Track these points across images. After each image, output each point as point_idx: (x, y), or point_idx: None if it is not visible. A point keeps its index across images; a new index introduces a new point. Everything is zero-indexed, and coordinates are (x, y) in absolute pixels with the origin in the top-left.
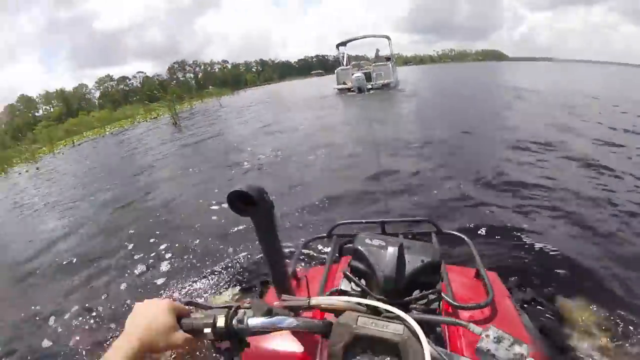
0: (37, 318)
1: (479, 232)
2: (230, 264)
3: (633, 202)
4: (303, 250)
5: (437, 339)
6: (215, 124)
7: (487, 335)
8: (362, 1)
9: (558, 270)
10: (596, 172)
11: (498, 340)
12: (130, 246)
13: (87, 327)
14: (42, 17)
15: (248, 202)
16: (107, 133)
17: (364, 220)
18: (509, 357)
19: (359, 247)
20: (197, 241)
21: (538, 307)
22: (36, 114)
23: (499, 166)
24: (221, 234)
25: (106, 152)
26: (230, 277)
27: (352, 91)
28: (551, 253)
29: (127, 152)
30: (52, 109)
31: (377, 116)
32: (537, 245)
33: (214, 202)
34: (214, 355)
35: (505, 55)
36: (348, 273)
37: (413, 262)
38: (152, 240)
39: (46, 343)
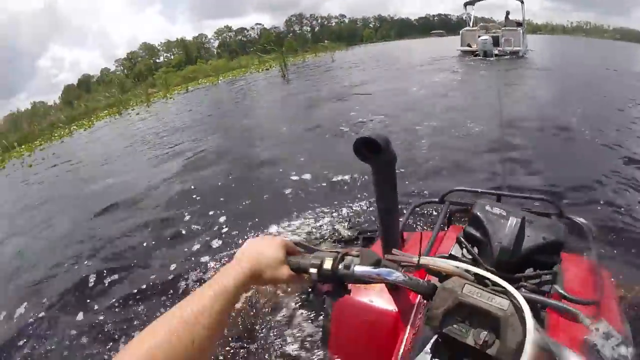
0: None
1: (601, 227)
2: (328, 217)
3: None
4: (411, 213)
5: (540, 325)
6: (323, 80)
7: (597, 329)
8: None
9: None
10: None
11: (606, 336)
12: (225, 189)
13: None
14: None
15: (373, 150)
16: (220, 82)
17: (479, 190)
18: (613, 356)
19: (478, 213)
20: (289, 193)
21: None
22: (157, 60)
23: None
24: (312, 190)
25: (213, 99)
26: (329, 228)
27: (477, 55)
28: None
29: (231, 101)
30: (172, 57)
31: (503, 88)
32: None
33: (301, 164)
34: (305, 300)
35: None
36: (462, 238)
37: (534, 237)
38: (238, 187)
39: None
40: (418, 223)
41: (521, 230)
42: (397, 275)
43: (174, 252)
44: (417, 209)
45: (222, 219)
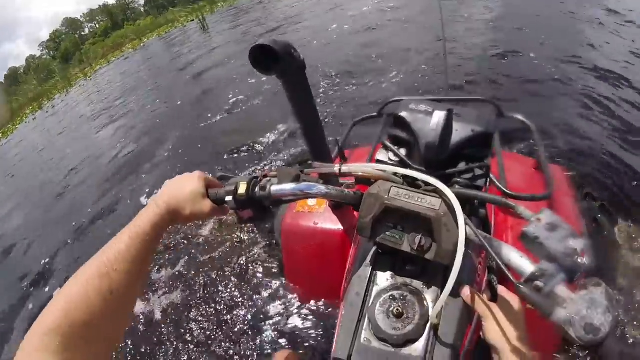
0: None
1: (547, 123)
2: (266, 143)
3: None
4: (353, 131)
5: (481, 224)
6: (245, 24)
7: (539, 219)
8: None
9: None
10: None
11: (551, 227)
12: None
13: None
14: None
15: (273, 59)
16: (143, 45)
17: (417, 98)
18: (560, 249)
19: (401, 113)
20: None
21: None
22: (82, 33)
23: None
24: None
25: (127, 72)
26: (269, 156)
27: None
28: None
29: (144, 70)
30: (97, 26)
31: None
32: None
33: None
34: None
35: None
36: (387, 142)
37: (462, 131)
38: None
39: None
40: (365, 140)
41: (447, 124)
42: (318, 189)
43: None
44: (361, 123)
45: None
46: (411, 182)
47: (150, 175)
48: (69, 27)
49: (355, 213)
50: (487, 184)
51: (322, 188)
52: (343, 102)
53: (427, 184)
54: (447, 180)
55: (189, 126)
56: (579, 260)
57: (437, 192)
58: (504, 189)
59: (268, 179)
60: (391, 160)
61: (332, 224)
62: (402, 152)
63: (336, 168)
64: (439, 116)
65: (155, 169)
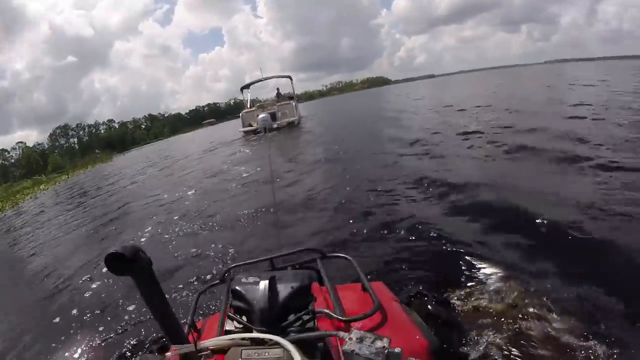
0: None
1: (365, 247)
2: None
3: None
4: (201, 300)
5: (325, 354)
6: (38, 226)
7: (350, 338)
8: (249, 47)
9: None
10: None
11: (360, 340)
12: None
13: None
14: None
15: (125, 262)
16: None
17: (253, 260)
18: (372, 351)
19: (236, 287)
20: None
21: (430, 304)
22: None
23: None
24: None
25: None
26: (126, 344)
27: (259, 132)
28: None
29: None
30: None
31: (284, 154)
32: (420, 244)
33: None
34: None
35: (389, 80)
36: (230, 313)
37: (284, 290)
38: None
39: None
40: (211, 307)
41: (272, 288)
42: None
43: None
44: (206, 292)
45: None
46: (259, 341)
47: None
48: None
49: None
50: (315, 323)
51: None
52: (185, 275)
53: (270, 340)
54: (284, 332)
55: None
56: (387, 351)
57: (278, 344)
58: (339, 317)
59: None
60: (237, 327)
61: None
62: (244, 318)
63: (192, 347)
64: (263, 285)
65: None
